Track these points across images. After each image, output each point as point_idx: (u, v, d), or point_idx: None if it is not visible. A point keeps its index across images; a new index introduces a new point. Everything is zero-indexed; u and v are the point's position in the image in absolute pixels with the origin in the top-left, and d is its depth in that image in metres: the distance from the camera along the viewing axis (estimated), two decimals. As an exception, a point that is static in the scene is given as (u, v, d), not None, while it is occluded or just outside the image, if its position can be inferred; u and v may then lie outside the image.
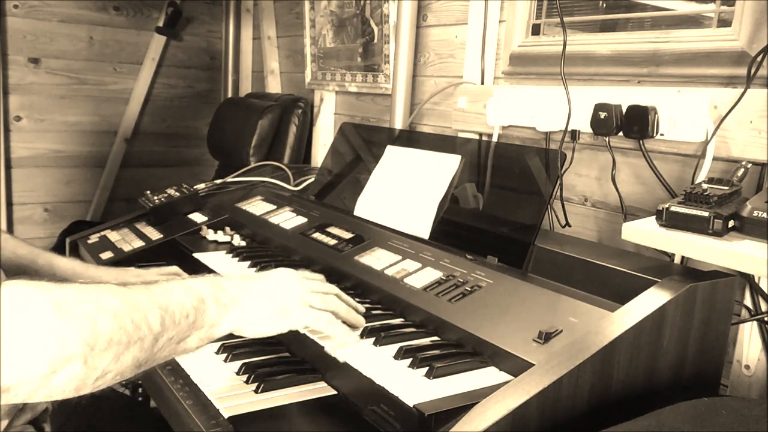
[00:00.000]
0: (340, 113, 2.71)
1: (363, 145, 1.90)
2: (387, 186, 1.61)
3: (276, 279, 1.06)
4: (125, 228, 2.03)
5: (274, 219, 1.78)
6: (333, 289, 1.12)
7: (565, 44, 1.54)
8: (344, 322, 1.09)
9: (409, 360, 1.01)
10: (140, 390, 1.71)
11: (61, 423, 1.22)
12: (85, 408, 1.29)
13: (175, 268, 1.54)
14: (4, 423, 1.01)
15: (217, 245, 1.73)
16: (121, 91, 3.41)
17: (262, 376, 1.10)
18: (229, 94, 3.58)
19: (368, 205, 1.63)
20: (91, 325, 0.75)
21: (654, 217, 1.12)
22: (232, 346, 1.22)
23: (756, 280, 1.22)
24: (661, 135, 1.35)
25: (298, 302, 1.04)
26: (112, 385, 0.81)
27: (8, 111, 3.13)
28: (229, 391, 1.09)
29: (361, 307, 1.16)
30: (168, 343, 0.85)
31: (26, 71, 3.15)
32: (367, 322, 1.14)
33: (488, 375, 0.99)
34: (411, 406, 0.89)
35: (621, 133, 1.41)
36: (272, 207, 1.88)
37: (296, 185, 2.11)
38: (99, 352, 0.75)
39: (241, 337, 1.02)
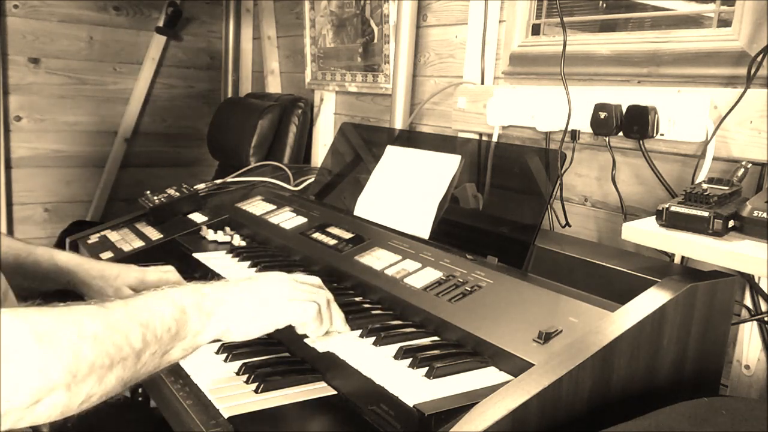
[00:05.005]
0: (340, 113, 2.71)
1: (363, 145, 1.90)
2: (387, 186, 1.61)
3: (262, 279, 1.06)
4: (125, 228, 2.03)
5: (274, 219, 1.78)
6: (325, 292, 1.11)
7: (565, 44, 1.54)
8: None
9: (409, 360, 1.01)
10: (140, 390, 1.71)
11: (59, 424, 1.22)
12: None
13: (170, 268, 1.52)
14: None
15: (217, 245, 1.73)
16: (121, 91, 3.41)
17: (262, 376, 1.10)
18: (229, 94, 3.58)
19: (368, 205, 1.63)
20: (73, 353, 0.74)
21: (654, 217, 1.12)
22: (232, 346, 1.22)
23: (756, 280, 1.22)
24: (661, 135, 1.35)
25: (283, 297, 1.03)
26: None
27: (8, 111, 3.13)
28: (229, 391, 1.09)
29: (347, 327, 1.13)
30: (151, 359, 0.85)
31: (26, 71, 3.15)
32: (367, 322, 1.14)
33: (488, 375, 0.99)
34: (411, 406, 0.89)
35: (621, 133, 1.41)
36: (272, 207, 1.88)
37: (296, 185, 2.11)
38: (82, 378, 0.75)
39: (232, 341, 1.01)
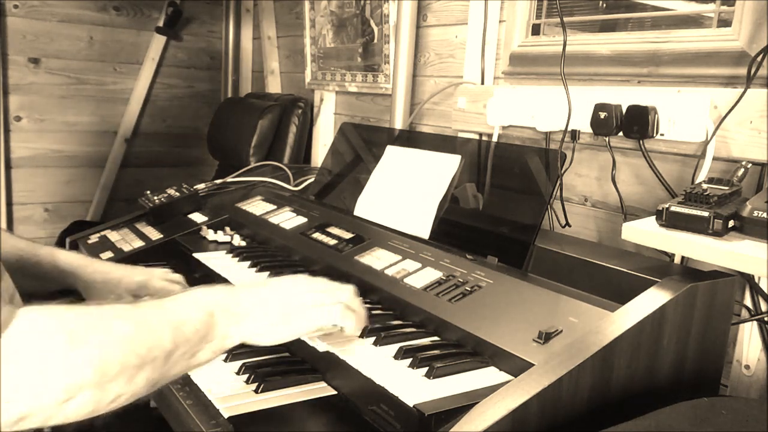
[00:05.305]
0: (340, 113, 2.71)
1: (363, 145, 1.90)
2: (387, 186, 1.61)
3: (287, 283, 1.05)
4: (125, 228, 2.03)
5: (274, 219, 1.78)
6: (347, 286, 1.09)
7: (565, 44, 1.54)
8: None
9: (409, 360, 1.01)
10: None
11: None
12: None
13: (178, 277, 1.51)
14: None
15: (217, 245, 1.73)
16: (121, 91, 3.41)
17: (262, 376, 1.10)
18: (229, 94, 3.58)
19: (368, 205, 1.63)
20: (104, 353, 0.75)
21: (654, 217, 1.12)
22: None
23: (756, 280, 1.22)
24: (661, 135, 1.35)
25: (309, 303, 1.02)
26: None
27: (8, 111, 3.13)
28: (229, 391, 1.09)
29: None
30: (180, 359, 0.85)
31: (26, 71, 3.15)
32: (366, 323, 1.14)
33: (488, 375, 0.99)
34: (411, 406, 0.89)
35: (621, 133, 1.41)
36: (272, 207, 1.88)
37: (296, 185, 2.11)
38: (112, 378, 0.75)
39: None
